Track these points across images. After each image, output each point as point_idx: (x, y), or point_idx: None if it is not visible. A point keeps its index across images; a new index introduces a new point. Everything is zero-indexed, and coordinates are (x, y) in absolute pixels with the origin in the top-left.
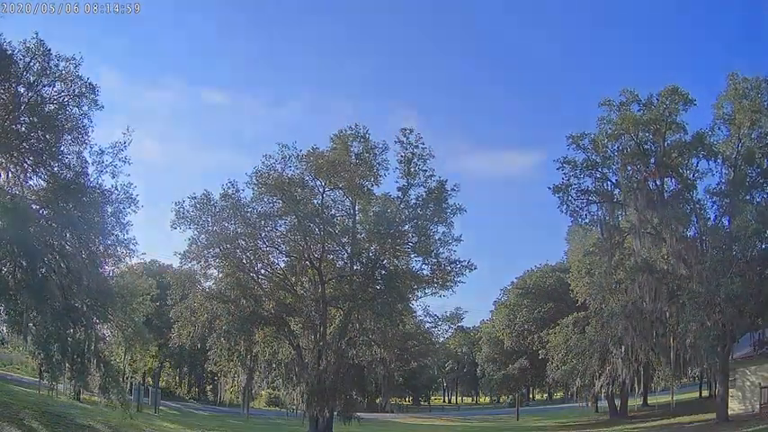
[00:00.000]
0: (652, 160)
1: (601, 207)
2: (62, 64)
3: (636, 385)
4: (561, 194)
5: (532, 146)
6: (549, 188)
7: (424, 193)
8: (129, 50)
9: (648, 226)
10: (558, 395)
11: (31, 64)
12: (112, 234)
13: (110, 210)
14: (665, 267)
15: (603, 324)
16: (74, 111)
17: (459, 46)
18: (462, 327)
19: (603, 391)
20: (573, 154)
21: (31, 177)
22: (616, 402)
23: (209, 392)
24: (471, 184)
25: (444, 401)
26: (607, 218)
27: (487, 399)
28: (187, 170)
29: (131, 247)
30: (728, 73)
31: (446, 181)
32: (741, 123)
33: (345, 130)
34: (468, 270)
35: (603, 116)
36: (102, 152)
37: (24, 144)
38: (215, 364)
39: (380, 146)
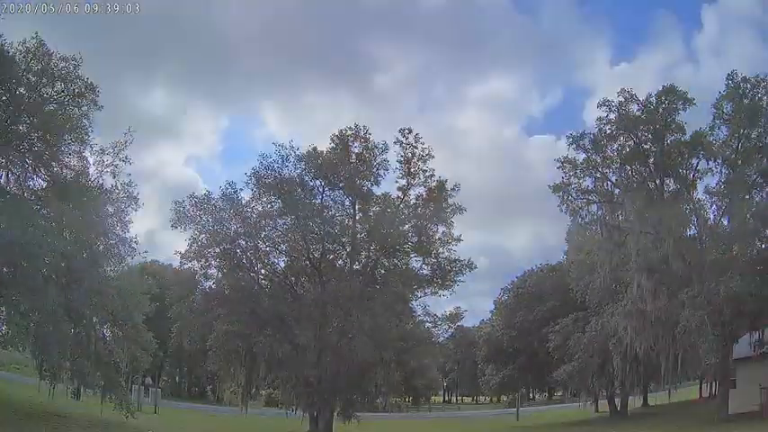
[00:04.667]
0: (651, 160)
1: (601, 207)
2: (62, 64)
3: (636, 385)
4: (561, 194)
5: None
6: (550, 186)
7: (424, 193)
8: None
9: (648, 226)
10: (558, 395)
11: (32, 64)
12: (113, 233)
13: (111, 209)
14: (665, 267)
15: (603, 324)
16: (74, 111)
17: None
18: (462, 326)
19: (603, 390)
20: (573, 154)
21: (31, 177)
22: (616, 402)
23: (209, 392)
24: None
25: (444, 401)
26: (607, 218)
27: (488, 398)
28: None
29: (133, 245)
30: (728, 72)
31: (446, 181)
32: (741, 123)
33: (346, 130)
34: (468, 269)
35: (602, 116)
36: (103, 152)
37: (24, 144)
38: (215, 364)
39: (380, 146)
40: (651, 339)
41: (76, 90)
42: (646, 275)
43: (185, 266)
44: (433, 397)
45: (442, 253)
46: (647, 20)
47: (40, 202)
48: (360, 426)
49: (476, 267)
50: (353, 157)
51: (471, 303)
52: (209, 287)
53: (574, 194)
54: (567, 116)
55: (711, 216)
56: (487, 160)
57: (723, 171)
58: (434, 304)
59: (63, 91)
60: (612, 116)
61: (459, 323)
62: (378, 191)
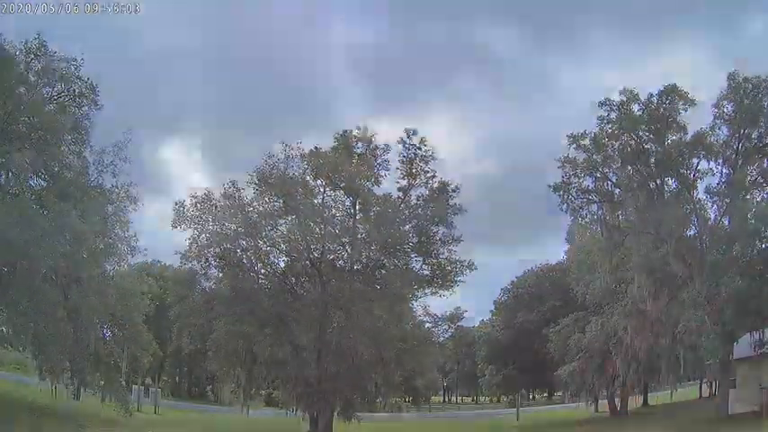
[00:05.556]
0: (652, 160)
1: (601, 206)
2: (62, 64)
3: (636, 385)
4: (561, 193)
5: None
6: (550, 186)
7: (425, 194)
8: None
9: (649, 226)
10: (558, 395)
11: (32, 64)
12: (113, 233)
13: (110, 209)
14: (666, 267)
15: (603, 324)
16: (74, 111)
17: None
18: (462, 326)
19: (603, 390)
20: (573, 153)
21: (31, 177)
22: (616, 402)
23: (209, 392)
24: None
25: (444, 401)
26: (607, 217)
27: (487, 398)
28: None
29: (132, 244)
30: (729, 72)
31: (448, 182)
32: (741, 123)
33: (349, 131)
34: (468, 270)
35: (603, 116)
36: (103, 152)
37: (24, 144)
38: (215, 365)
39: (382, 146)
40: (651, 339)
41: (77, 90)
42: (646, 275)
43: (185, 266)
44: (432, 397)
45: (443, 253)
46: None
47: (40, 201)
48: (360, 426)
49: (476, 268)
50: (355, 157)
51: (472, 303)
52: (209, 287)
53: (574, 194)
54: None
55: (712, 216)
56: None
57: (724, 171)
58: (434, 303)
59: (63, 91)
60: (613, 115)
61: (458, 323)
62: (379, 191)
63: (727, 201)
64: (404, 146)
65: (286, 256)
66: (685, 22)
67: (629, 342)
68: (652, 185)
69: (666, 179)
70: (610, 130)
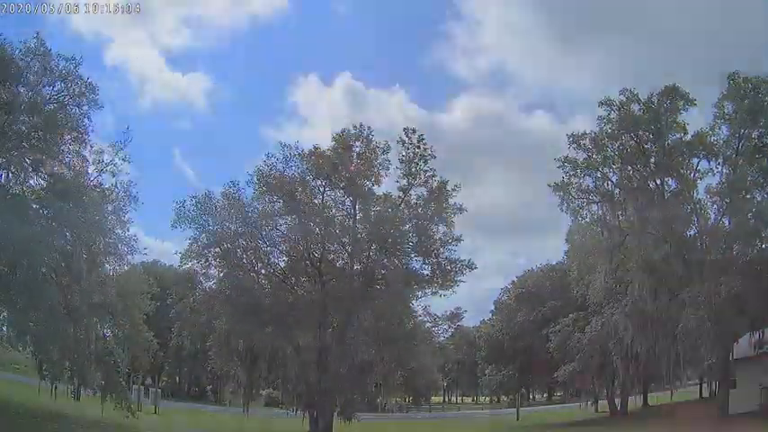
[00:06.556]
0: (652, 160)
1: (601, 206)
2: (62, 64)
3: (636, 385)
4: (561, 194)
5: None
6: (550, 186)
7: (425, 193)
8: None
9: (649, 226)
10: (558, 395)
11: (32, 64)
12: (113, 233)
13: (110, 208)
14: (666, 267)
15: (603, 324)
16: (74, 110)
17: None
18: (462, 326)
19: (603, 390)
20: (573, 154)
21: (31, 177)
22: (616, 402)
23: (209, 392)
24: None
25: (444, 401)
26: (608, 217)
27: (488, 398)
28: None
29: (132, 244)
30: (729, 72)
31: (447, 181)
32: (741, 123)
33: (348, 130)
34: (468, 270)
35: (604, 115)
36: (103, 151)
37: (24, 144)
38: (215, 364)
39: (382, 146)
40: (651, 339)
41: (77, 90)
42: (646, 275)
43: (186, 266)
44: (433, 397)
45: (443, 253)
46: None
47: (40, 201)
48: (360, 426)
49: (476, 267)
50: (355, 156)
51: (472, 302)
52: (210, 287)
53: (574, 194)
54: None
55: (712, 216)
56: None
57: (724, 171)
58: (435, 303)
59: (63, 91)
60: (614, 115)
61: (459, 323)
62: (379, 191)
63: (727, 201)
64: (403, 145)
65: (286, 256)
66: None
67: (629, 342)
68: (652, 185)
69: (666, 179)
70: (610, 130)
